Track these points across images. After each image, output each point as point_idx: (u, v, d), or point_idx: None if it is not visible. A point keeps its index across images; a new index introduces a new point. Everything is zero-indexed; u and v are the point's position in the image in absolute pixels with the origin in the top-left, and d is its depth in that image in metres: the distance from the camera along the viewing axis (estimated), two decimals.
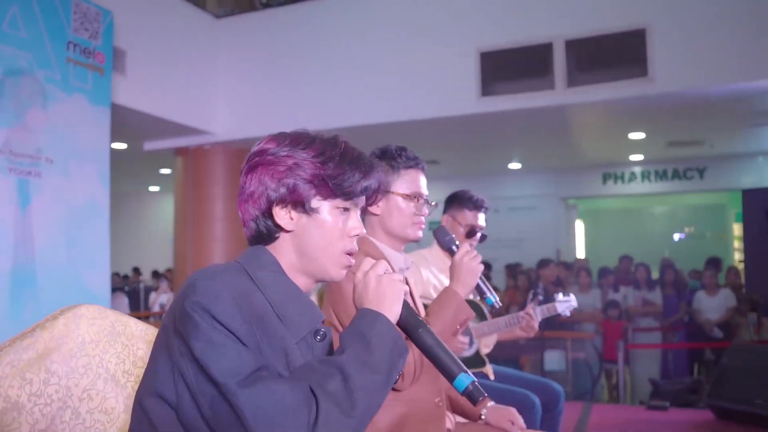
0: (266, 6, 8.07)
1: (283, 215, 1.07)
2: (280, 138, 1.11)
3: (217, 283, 0.95)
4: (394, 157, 1.75)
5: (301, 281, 1.09)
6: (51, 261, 5.07)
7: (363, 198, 1.13)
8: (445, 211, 2.64)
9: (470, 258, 1.66)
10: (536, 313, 2.60)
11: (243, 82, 7.81)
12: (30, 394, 0.98)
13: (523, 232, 10.49)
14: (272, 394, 0.87)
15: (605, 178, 10.25)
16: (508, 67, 6.64)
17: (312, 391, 0.90)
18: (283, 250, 1.08)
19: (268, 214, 1.07)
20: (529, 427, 2.04)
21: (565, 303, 2.67)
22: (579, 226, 12.17)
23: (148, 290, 9.72)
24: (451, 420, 1.70)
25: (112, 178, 5.90)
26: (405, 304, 1.05)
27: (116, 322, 1.17)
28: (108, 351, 1.13)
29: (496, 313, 2.54)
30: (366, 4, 7.23)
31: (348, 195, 1.08)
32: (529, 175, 10.51)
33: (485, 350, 2.61)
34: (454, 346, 2.31)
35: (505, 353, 5.66)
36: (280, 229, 1.08)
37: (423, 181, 1.79)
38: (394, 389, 1.55)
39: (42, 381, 1.00)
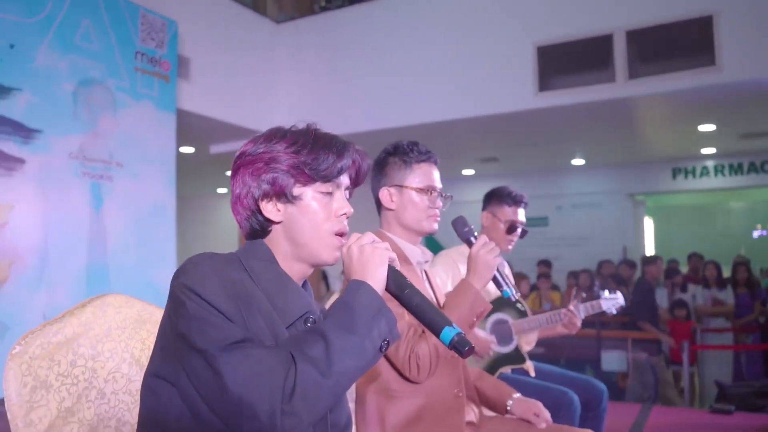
0: (324, 9, 8.23)
1: (270, 209, 1.12)
2: (255, 138, 1.16)
3: (205, 266, 1.00)
4: (406, 152, 1.78)
5: (298, 269, 1.13)
6: (122, 259, 5.36)
7: (345, 179, 1.17)
8: (484, 208, 2.63)
9: (486, 251, 1.65)
10: (579, 310, 2.56)
11: (302, 84, 8.00)
12: (58, 374, 1.07)
13: (588, 230, 10.22)
14: (251, 357, 0.91)
15: (675, 172, 9.83)
16: (566, 61, 6.51)
17: (291, 355, 0.93)
18: (276, 241, 1.13)
19: (257, 210, 1.12)
20: (567, 424, 2.01)
21: (611, 300, 2.61)
22: (648, 223, 11.71)
23: None
24: (475, 412, 1.70)
25: (181, 181, 6.17)
26: (391, 268, 1.07)
27: (142, 311, 1.25)
28: (133, 337, 1.21)
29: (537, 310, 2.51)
30: (421, 3, 7.25)
31: (326, 177, 1.12)
32: (593, 171, 10.21)
33: (526, 347, 2.59)
34: (482, 346, 2.31)
35: (559, 353, 5.56)
36: (270, 222, 1.13)
37: (436, 174, 1.81)
38: (410, 381, 1.57)
39: (69, 363, 1.09)
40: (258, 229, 1.14)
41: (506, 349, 2.42)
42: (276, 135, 1.14)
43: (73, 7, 5.22)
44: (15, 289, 4.54)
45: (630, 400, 4.68)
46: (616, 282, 6.58)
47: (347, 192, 1.18)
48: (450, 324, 1.03)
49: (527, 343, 2.61)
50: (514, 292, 1.73)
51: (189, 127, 6.91)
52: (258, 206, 1.12)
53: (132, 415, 1.15)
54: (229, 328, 0.94)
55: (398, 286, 1.06)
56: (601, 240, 9.94)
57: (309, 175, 1.10)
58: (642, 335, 5.03)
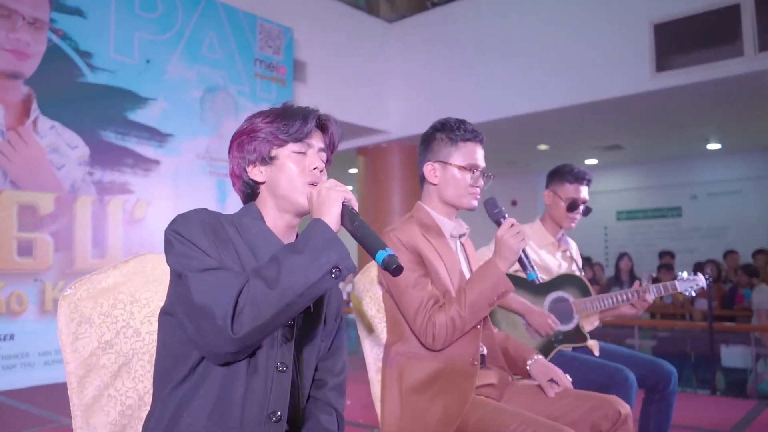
0: (436, 5, 8.34)
1: (255, 172, 1.31)
2: (243, 122, 1.36)
3: (190, 215, 1.21)
4: (453, 129, 1.83)
5: (284, 220, 1.30)
6: None
7: (317, 141, 1.32)
8: (547, 186, 2.61)
9: (511, 234, 1.68)
10: (650, 290, 2.47)
11: (414, 80, 8.17)
12: (100, 314, 1.32)
13: (727, 220, 9.39)
14: (216, 277, 1.10)
15: None
16: (685, 38, 6.08)
17: (247, 275, 1.12)
18: (264, 200, 1.32)
19: (247, 177, 1.32)
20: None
21: (689, 282, 2.48)
22: None
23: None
24: (498, 376, 1.75)
25: None
26: (345, 207, 1.19)
27: None
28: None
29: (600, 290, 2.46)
30: None
31: (297, 138, 1.28)
32: (731, 156, 9.35)
33: (588, 327, 2.54)
34: (540, 323, 2.32)
35: (671, 347, 5.23)
36: (257, 184, 1.32)
37: (480, 153, 1.85)
38: (428, 349, 1.67)
39: (110, 305, 1.34)
40: (250, 192, 1.34)
41: (566, 328, 2.40)
42: (256, 114, 1.36)
43: (199, 22, 5.82)
44: None
45: (750, 396, 4.33)
46: (748, 273, 6.04)
47: (323, 154, 1.34)
48: (383, 248, 1.15)
49: (589, 323, 2.56)
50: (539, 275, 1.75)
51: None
52: (247, 173, 1.32)
53: None
54: (205, 260, 1.14)
55: (350, 220, 1.19)
56: (742, 230, 9.09)
57: (282, 138, 1.29)
58: (761, 328, 4.58)
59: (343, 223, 1.19)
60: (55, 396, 4.42)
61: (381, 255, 1.14)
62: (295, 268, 1.09)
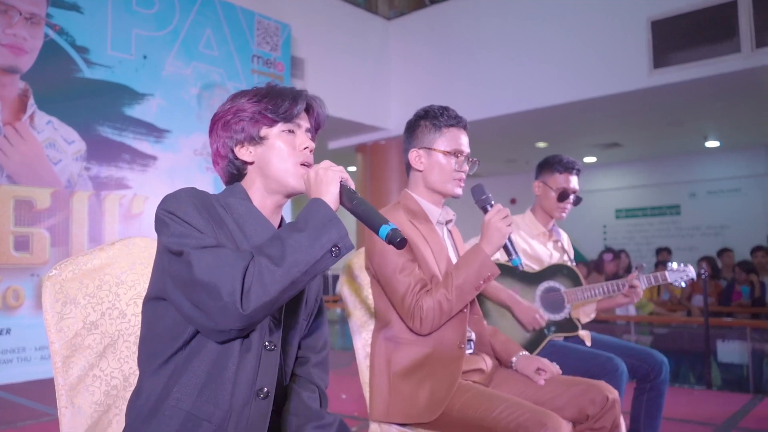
0: (434, 2, 8.34)
1: (243, 152, 1.30)
2: (224, 103, 1.35)
3: (181, 194, 1.19)
4: (436, 115, 1.85)
5: (271, 201, 1.29)
6: None
7: (304, 121, 1.32)
8: (536, 177, 2.61)
9: (499, 218, 1.68)
10: (641, 280, 2.47)
11: (414, 77, 8.17)
12: (85, 294, 1.32)
13: (726, 218, 9.39)
14: (218, 254, 1.09)
15: None
16: (683, 34, 6.09)
17: (251, 253, 1.12)
18: (251, 181, 1.31)
19: (234, 157, 1.31)
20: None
21: (679, 272, 2.49)
22: None
23: (335, 277, 10.57)
24: (486, 362, 1.75)
25: None
26: (342, 186, 1.20)
27: None
28: None
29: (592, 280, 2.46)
30: None
31: (286, 118, 1.28)
32: (731, 154, 9.35)
33: (584, 319, 2.54)
34: (526, 316, 2.32)
35: (667, 343, 5.24)
36: (245, 164, 1.31)
37: (464, 139, 1.86)
38: (415, 333, 1.68)
39: (96, 286, 1.34)
40: (236, 173, 1.32)
41: (557, 317, 2.40)
42: (239, 94, 1.34)
43: (196, 19, 5.83)
44: None
45: (748, 391, 4.32)
46: (746, 270, 6.04)
47: (309, 134, 1.34)
48: (386, 222, 1.16)
49: (585, 314, 2.56)
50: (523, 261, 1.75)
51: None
52: (233, 153, 1.31)
53: None
54: (202, 237, 1.13)
55: (349, 198, 1.20)
56: (742, 228, 9.08)
57: (271, 118, 1.28)
58: (761, 324, 4.58)
59: (342, 203, 1.20)
60: (52, 390, 4.43)
61: (384, 229, 1.15)
62: (298, 246, 1.10)
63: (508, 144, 9.07)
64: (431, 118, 1.85)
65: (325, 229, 1.12)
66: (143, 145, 5.34)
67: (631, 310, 5.67)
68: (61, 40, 4.82)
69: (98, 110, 5.04)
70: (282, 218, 1.35)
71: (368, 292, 1.87)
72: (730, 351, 4.79)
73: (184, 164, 5.63)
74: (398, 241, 1.13)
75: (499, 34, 7.32)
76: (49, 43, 4.75)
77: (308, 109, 1.35)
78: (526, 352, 1.82)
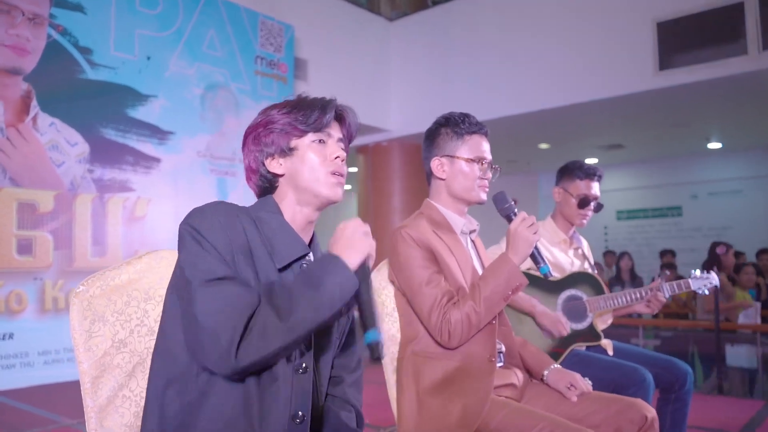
0: (437, 3, 8.30)
1: (274, 165, 1.26)
2: (257, 116, 1.32)
3: (208, 209, 1.16)
4: (457, 123, 1.81)
5: (303, 214, 1.26)
6: None
7: (335, 131, 1.29)
8: (556, 183, 2.57)
9: (525, 227, 1.64)
10: (664, 288, 2.44)
11: (416, 78, 8.12)
12: (113, 311, 1.27)
13: (728, 220, 9.39)
14: (225, 294, 1.05)
15: None
16: (689, 36, 6.06)
17: (259, 298, 1.08)
18: (283, 193, 1.27)
19: (265, 170, 1.27)
20: None
21: (702, 280, 2.45)
22: None
23: None
24: (518, 377, 1.71)
25: None
26: (363, 263, 1.16)
27: None
28: None
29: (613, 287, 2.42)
30: None
31: (317, 128, 1.25)
32: (732, 155, 9.34)
33: (601, 326, 2.50)
34: (552, 324, 2.27)
35: (675, 347, 5.21)
36: (276, 176, 1.27)
37: (486, 146, 1.83)
38: (444, 347, 1.63)
39: (124, 303, 1.29)
40: (267, 186, 1.29)
41: (579, 326, 2.37)
42: (270, 107, 1.31)
43: (200, 19, 5.77)
44: None
45: (756, 397, 4.30)
46: (754, 272, 6.02)
47: (341, 144, 1.30)
48: (377, 329, 1.13)
49: (602, 321, 2.52)
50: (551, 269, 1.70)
51: None
52: (265, 166, 1.27)
53: None
54: (216, 264, 1.08)
55: (362, 276, 1.16)
56: (743, 230, 9.08)
57: (301, 129, 1.24)
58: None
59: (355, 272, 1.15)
60: (55, 396, 4.37)
61: (372, 335, 1.12)
62: (308, 306, 1.06)
63: (510, 145, 9.04)
64: (452, 125, 1.82)
65: (342, 294, 1.09)
66: (147, 146, 5.27)
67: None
68: (64, 40, 4.76)
69: (101, 112, 4.97)
70: (314, 235, 1.31)
71: (394, 305, 1.82)
72: (738, 355, 4.77)
73: (187, 166, 5.57)
74: (376, 357, 1.12)
75: (501, 36, 7.28)
76: (52, 44, 4.69)
77: (340, 119, 1.31)
78: (558, 365, 1.78)
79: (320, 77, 7.28)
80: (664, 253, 7.78)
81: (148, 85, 5.31)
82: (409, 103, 8.04)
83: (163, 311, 1.19)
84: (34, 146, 4.57)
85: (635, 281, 7.40)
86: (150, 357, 1.31)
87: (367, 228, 1.19)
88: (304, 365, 1.17)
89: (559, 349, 2.34)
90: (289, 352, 1.10)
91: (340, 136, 1.30)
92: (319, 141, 1.26)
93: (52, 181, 4.65)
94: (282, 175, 1.27)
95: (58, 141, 4.70)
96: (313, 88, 7.21)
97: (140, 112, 5.24)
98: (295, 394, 1.15)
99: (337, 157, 1.25)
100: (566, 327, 2.29)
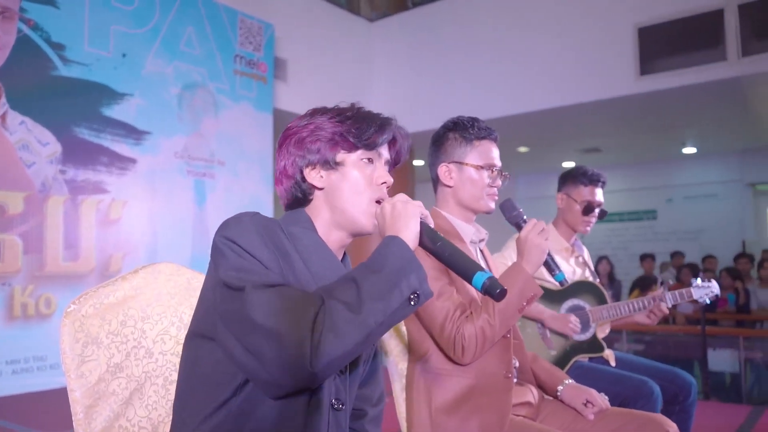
0: (417, 4, 8.25)
1: (314, 175, 1.14)
2: (301, 116, 1.20)
3: (245, 220, 1.04)
4: (466, 128, 1.72)
5: (336, 236, 1.14)
6: None
7: (385, 152, 1.18)
8: (559, 189, 2.51)
9: (536, 234, 1.57)
10: (667, 298, 2.39)
11: (397, 80, 8.06)
12: (108, 332, 1.15)
13: (702, 223, 9.51)
14: (283, 295, 0.94)
15: None
16: (670, 41, 6.10)
17: (322, 297, 0.95)
18: (317, 208, 1.15)
19: (302, 179, 1.15)
20: None
21: (704, 289, 2.41)
22: None
23: None
24: (533, 394, 1.64)
25: None
26: (423, 224, 1.07)
27: (192, 279, 1.32)
28: (183, 303, 1.27)
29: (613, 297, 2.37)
30: None
31: (369, 145, 1.13)
32: (707, 160, 9.47)
33: (599, 334, 2.45)
34: (562, 324, 2.21)
35: (659, 350, 5.23)
36: (313, 189, 1.15)
37: (496, 152, 1.75)
38: (456, 363, 1.54)
39: (120, 323, 1.17)
40: (300, 197, 1.17)
41: (582, 337, 2.30)
42: (319, 110, 1.18)
43: (177, 16, 5.59)
44: None
45: (741, 401, 4.32)
46: (732, 277, 6.09)
47: (387, 167, 1.19)
48: (481, 269, 1.03)
49: (602, 330, 2.47)
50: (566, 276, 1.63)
51: (286, 125, 7.17)
52: (302, 174, 1.15)
53: None
54: (266, 274, 0.97)
55: (431, 239, 1.06)
56: (716, 234, 9.21)
57: (352, 143, 1.13)
58: (757, 332, 4.60)
59: (421, 243, 1.05)
60: (23, 407, 4.17)
61: (480, 277, 1.01)
62: (376, 293, 0.94)
63: None
64: (461, 130, 1.73)
65: (404, 273, 0.97)
66: (122, 147, 5.09)
67: None
68: (35, 35, 4.55)
69: (74, 110, 4.77)
70: (345, 255, 1.19)
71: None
72: (721, 360, 4.79)
73: (164, 167, 5.39)
74: (498, 292, 0.99)
75: (483, 38, 7.26)
76: (22, 39, 4.48)
77: (392, 140, 1.19)
78: (571, 381, 1.71)
79: (300, 78, 7.15)
80: (644, 257, 7.83)
81: (123, 83, 5.12)
82: (390, 105, 7.95)
83: (183, 359, 1.06)
84: (3, 146, 4.36)
85: (614, 285, 7.42)
86: (148, 382, 1.19)
87: (403, 196, 1.09)
88: (339, 401, 1.06)
89: (561, 361, 2.27)
90: (362, 351, 0.99)
91: (388, 158, 1.19)
92: (368, 160, 1.14)
93: (22, 182, 4.44)
94: (320, 189, 1.15)
95: (29, 140, 4.49)
96: (292, 88, 7.08)
97: (115, 111, 5.05)
98: (331, 431, 1.04)
99: (384, 182, 1.14)
100: (576, 325, 2.23)
